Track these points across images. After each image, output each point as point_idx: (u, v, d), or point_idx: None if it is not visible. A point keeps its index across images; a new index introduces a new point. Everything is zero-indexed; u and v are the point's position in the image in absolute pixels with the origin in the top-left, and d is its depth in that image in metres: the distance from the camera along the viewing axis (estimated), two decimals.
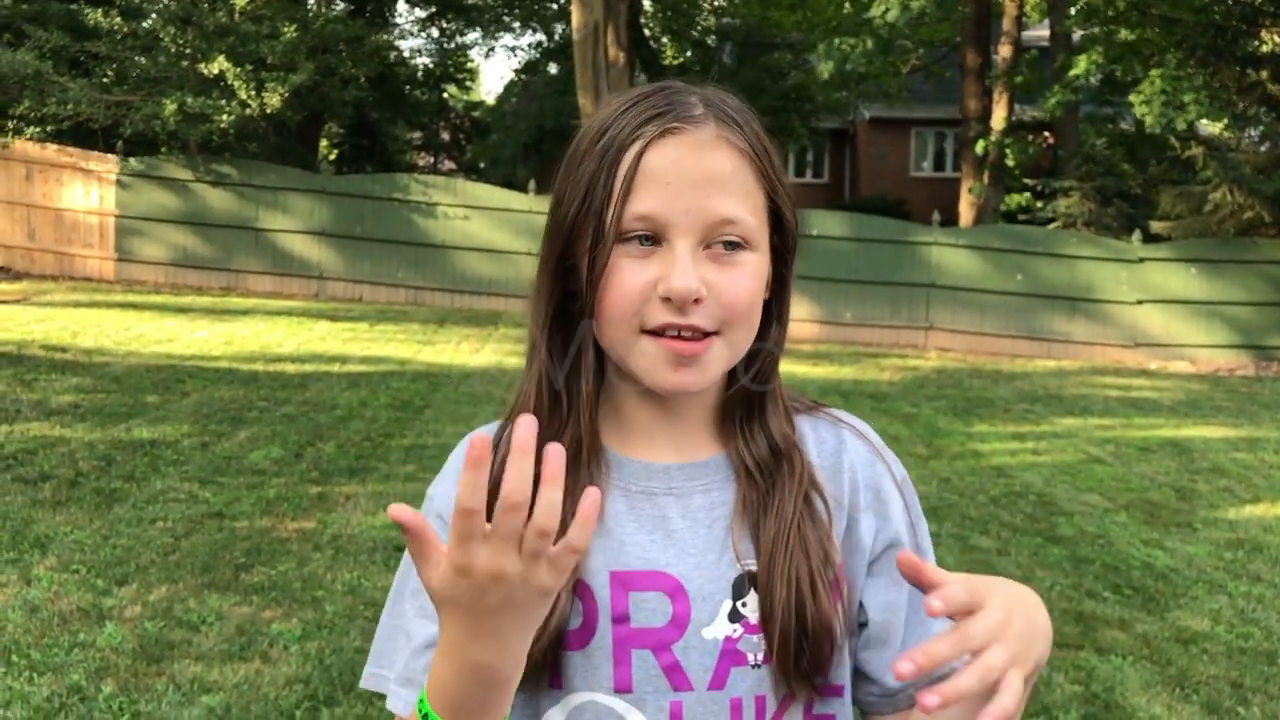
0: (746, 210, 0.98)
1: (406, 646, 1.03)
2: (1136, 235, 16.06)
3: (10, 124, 15.78)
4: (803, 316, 15.90)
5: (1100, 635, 4.88)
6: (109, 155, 16.10)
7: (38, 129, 15.91)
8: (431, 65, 27.66)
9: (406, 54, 26.39)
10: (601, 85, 15.74)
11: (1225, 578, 5.84)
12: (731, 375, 1.05)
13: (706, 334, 0.98)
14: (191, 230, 16.16)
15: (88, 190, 16.03)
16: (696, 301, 0.96)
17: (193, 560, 5.08)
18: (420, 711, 0.88)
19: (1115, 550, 6.22)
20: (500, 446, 1.00)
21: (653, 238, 0.97)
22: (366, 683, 1.08)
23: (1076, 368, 14.86)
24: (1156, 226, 17.43)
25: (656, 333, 0.97)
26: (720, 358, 1.00)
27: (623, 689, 0.99)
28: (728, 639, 1.00)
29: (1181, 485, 8.01)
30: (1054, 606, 5.22)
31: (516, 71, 28.39)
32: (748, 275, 0.99)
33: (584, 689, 1.00)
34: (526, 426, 0.75)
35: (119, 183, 15.98)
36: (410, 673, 1.01)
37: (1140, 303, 15.73)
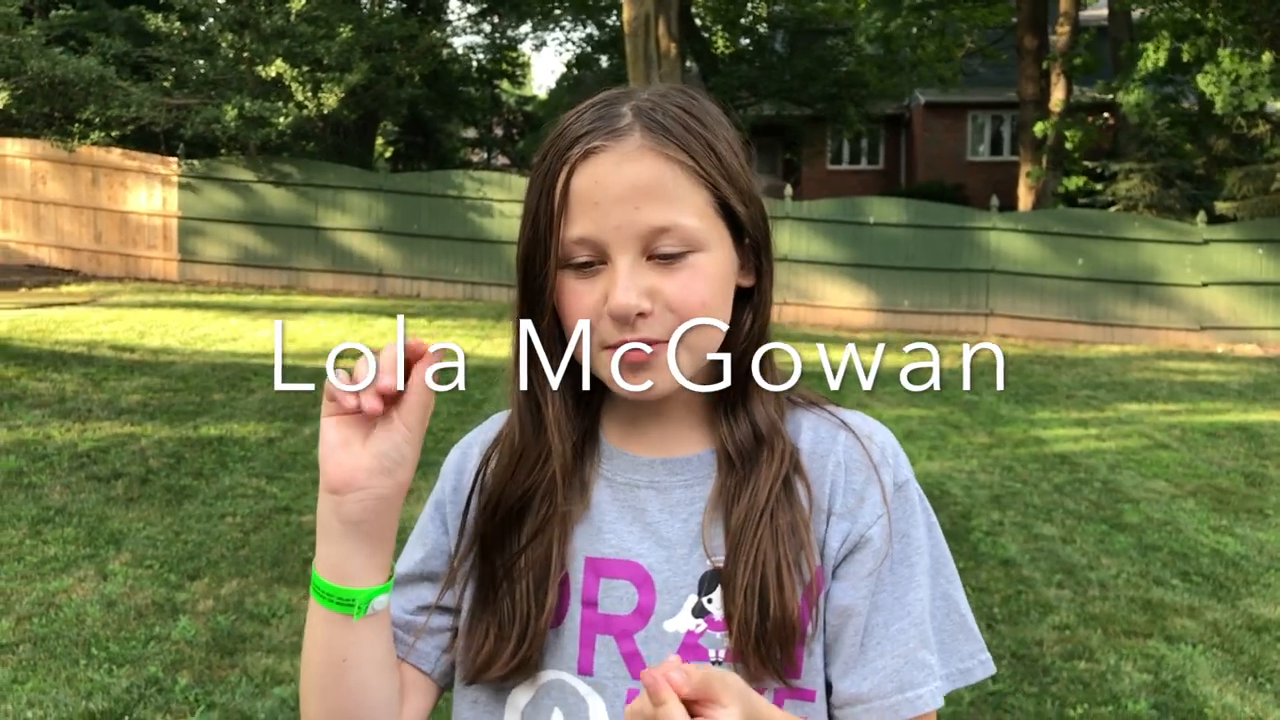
0: (684, 214, 0.98)
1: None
2: (1201, 216, 15.74)
3: (76, 128, 16.14)
4: (859, 304, 15.80)
5: (1169, 623, 4.81)
6: (171, 158, 16.42)
7: (102, 133, 16.27)
8: (484, 61, 27.81)
9: (459, 51, 26.56)
10: (653, 77, 15.72)
11: None
12: (719, 368, 1.04)
13: (659, 343, 0.99)
14: (252, 230, 16.43)
15: (151, 193, 16.36)
16: (643, 315, 0.97)
17: (262, 554, 5.19)
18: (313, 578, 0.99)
19: (1183, 537, 6.12)
20: (491, 448, 1.11)
21: (598, 258, 0.98)
22: None
23: (1140, 352, 14.61)
24: (1222, 207, 17.07)
25: (613, 348, 0.99)
26: (679, 361, 0.99)
27: (585, 671, 1.02)
28: (689, 633, 1.01)
29: (1251, 471, 7.86)
30: (1121, 594, 5.16)
31: (568, 65, 28.46)
32: (698, 278, 0.99)
33: (552, 667, 1.03)
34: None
35: (181, 185, 16.28)
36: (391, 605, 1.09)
37: (1205, 285, 15.43)
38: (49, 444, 6.97)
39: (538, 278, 1.01)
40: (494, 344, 12.19)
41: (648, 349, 0.98)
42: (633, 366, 0.99)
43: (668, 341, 0.98)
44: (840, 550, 1.04)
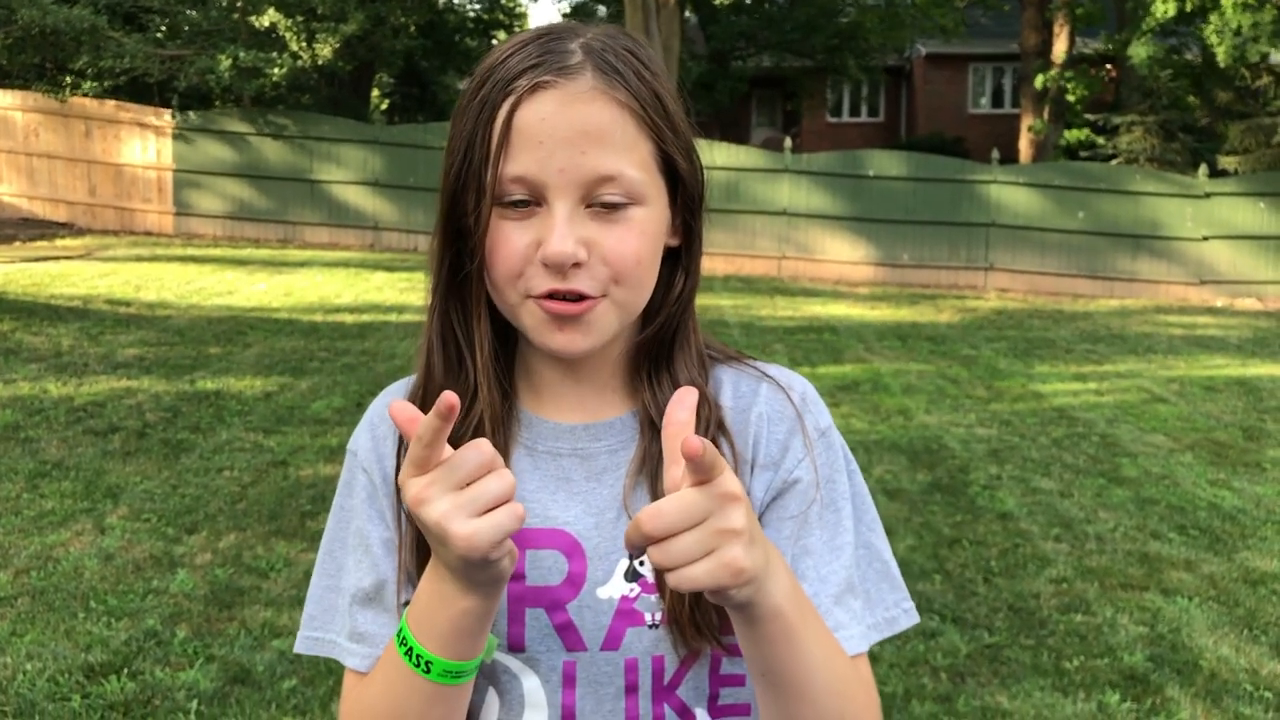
0: (629, 164, 0.93)
1: (347, 602, 1.02)
2: (1203, 169, 15.65)
3: (68, 79, 15.97)
4: (859, 258, 15.74)
5: (1166, 576, 4.82)
6: (165, 110, 16.26)
7: (95, 84, 16.09)
8: (480, 11, 27.51)
9: (455, 1, 26.25)
10: (651, 27, 15.55)
11: None
12: (643, 329, 1.02)
13: (590, 298, 0.94)
14: (248, 183, 16.31)
15: (145, 145, 16.23)
16: (577, 265, 0.92)
17: (259, 508, 5.19)
18: (404, 645, 0.90)
19: (1181, 491, 6.13)
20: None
21: (532, 199, 0.93)
22: (305, 648, 1.05)
23: (1140, 306, 14.58)
24: (1224, 160, 16.97)
25: (541, 298, 0.94)
26: (607, 319, 0.95)
27: (516, 647, 0.98)
28: (624, 598, 0.98)
29: (1249, 425, 7.86)
30: (1118, 548, 5.17)
31: (565, 15, 28.14)
32: (635, 233, 0.94)
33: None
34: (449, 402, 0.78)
35: (176, 137, 16.14)
36: (358, 626, 1.01)
37: (1206, 239, 15.36)
38: (45, 398, 6.96)
39: (466, 215, 0.95)
40: None
41: (583, 310, 0.93)
42: (560, 320, 0.94)
43: (598, 297, 0.94)
44: (765, 499, 1.01)
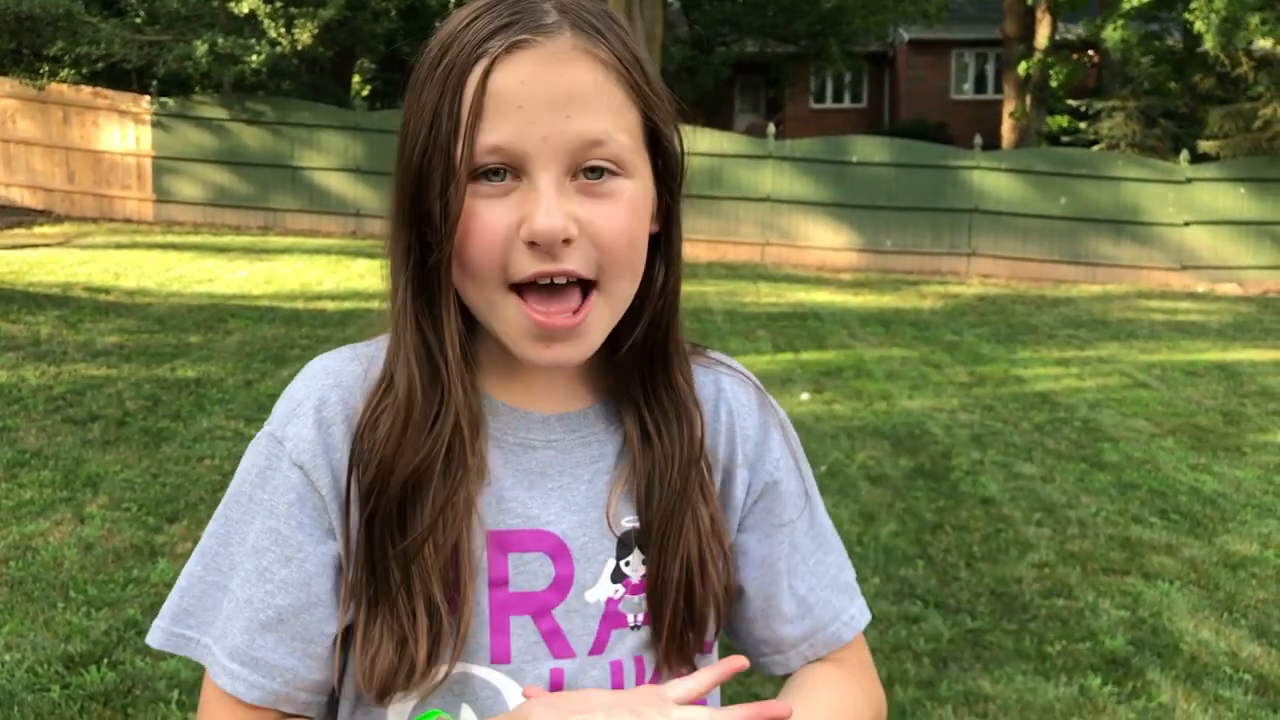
0: (617, 128, 0.85)
1: (239, 614, 0.91)
2: (1184, 155, 15.70)
3: (45, 65, 15.80)
4: (842, 244, 15.74)
5: (1147, 560, 4.85)
6: (144, 96, 16.12)
7: (72, 70, 15.93)
8: None
9: None
10: (634, 12, 15.49)
11: (1274, 501, 5.77)
12: (623, 326, 0.93)
13: (582, 281, 0.85)
14: (228, 169, 16.20)
15: (124, 132, 16.09)
16: (566, 242, 0.83)
17: None
18: None
19: (1162, 475, 6.16)
20: (369, 411, 0.90)
21: (510, 171, 0.84)
22: (168, 644, 0.95)
23: (1122, 292, 14.64)
24: (1205, 146, 17.02)
25: (523, 287, 0.85)
26: (600, 319, 0.87)
27: (500, 660, 0.91)
28: (609, 600, 0.94)
29: (1229, 409, 7.91)
30: (1100, 532, 5.19)
31: None
32: (625, 209, 0.86)
33: (457, 660, 0.91)
34: None
35: (155, 123, 16.01)
36: (254, 651, 0.90)
37: (1187, 224, 15.42)
38: (24, 386, 6.90)
39: (437, 194, 0.85)
40: None
41: (578, 322, 0.86)
42: (548, 336, 0.86)
43: (592, 284, 0.86)
44: (746, 499, 0.99)
